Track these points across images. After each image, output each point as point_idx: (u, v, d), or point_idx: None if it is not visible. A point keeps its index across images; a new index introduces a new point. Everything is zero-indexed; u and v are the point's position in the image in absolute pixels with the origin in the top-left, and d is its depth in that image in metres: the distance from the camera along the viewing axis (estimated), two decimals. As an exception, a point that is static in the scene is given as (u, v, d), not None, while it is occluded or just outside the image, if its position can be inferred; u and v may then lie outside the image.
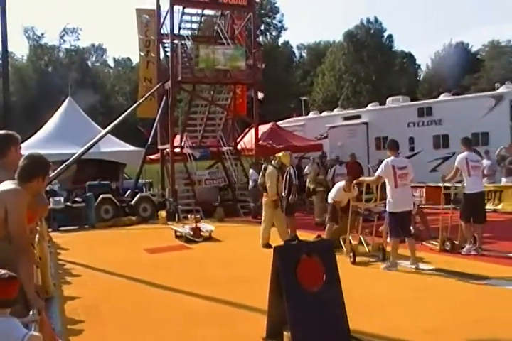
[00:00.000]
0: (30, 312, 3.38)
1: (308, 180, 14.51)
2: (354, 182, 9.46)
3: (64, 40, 63.62)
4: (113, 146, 19.77)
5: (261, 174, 11.11)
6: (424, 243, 9.70)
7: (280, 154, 10.82)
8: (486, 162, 14.95)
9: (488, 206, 10.66)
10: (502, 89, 17.54)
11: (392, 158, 8.21)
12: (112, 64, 75.22)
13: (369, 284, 7.32)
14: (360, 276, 7.72)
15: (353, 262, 8.60)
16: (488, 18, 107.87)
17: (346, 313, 4.87)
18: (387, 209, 8.26)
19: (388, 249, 8.46)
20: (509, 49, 66.52)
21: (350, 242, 9.07)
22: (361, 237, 9.30)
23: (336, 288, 5.00)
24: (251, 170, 16.91)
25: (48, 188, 14.77)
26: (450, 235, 9.24)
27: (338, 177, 13.79)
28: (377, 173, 8.40)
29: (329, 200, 10.25)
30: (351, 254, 8.69)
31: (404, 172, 8.15)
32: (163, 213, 15.87)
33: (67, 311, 6.57)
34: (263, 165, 11.57)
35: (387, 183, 8.23)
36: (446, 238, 9.23)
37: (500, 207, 14.43)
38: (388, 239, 8.54)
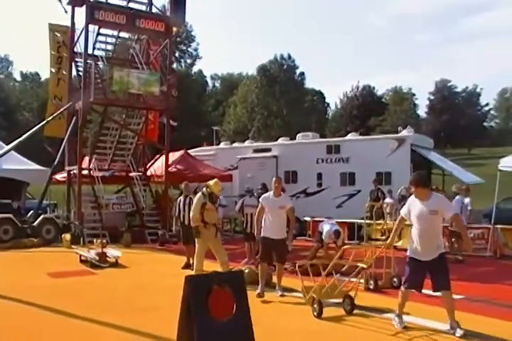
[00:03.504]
0: None
1: None
2: None
3: (-35, 49, 60.85)
4: (16, 164, 18.91)
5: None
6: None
7: (211, 182, 9.62)
8: (388, 200, 15.73)
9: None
10: (404, 133, 18.53)
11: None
12: (18, 78, 72.75)
13: (279, 316, 7.37)
14: (270, 308, 7.78)
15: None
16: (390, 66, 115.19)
17: (255, 344, 4.95)
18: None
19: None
20: (409, 96, 71.12)
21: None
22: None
23: (246, 319, 5.09)
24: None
25: None
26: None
27: (247, 208, 13.92)
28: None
29: (262, 234, 8.88)
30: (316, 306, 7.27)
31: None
32: (67, 236, 15.33)
33: (-40, 337, 6.22)
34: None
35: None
36: (370, 276, 9.16)
37: (399, 243, 15.17)
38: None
